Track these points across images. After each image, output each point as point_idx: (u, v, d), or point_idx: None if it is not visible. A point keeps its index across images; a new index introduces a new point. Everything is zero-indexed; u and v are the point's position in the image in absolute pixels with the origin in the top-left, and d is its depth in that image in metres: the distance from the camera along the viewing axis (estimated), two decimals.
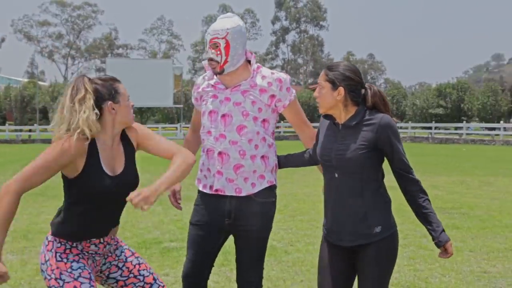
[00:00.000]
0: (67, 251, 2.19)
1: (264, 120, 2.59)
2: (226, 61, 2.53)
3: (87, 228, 2.22)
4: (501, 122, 29.54)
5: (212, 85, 2.64)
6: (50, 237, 2.23)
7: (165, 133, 37.69)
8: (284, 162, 2.76)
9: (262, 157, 2.57)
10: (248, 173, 2.53)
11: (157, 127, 38.55)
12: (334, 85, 2.27)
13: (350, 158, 2.27)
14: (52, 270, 2.14)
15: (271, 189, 2.62)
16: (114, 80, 2.31)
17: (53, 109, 32.06)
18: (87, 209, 2.21)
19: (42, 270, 2.19)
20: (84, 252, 2.25)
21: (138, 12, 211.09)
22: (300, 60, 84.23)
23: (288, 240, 5.73)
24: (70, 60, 75.01)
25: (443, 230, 2.33)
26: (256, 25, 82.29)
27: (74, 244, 2.21)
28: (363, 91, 2.33)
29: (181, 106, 42.30)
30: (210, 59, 2.55)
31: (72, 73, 76.80)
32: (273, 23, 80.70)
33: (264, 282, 2.77)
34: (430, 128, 32.98)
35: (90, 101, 2.13)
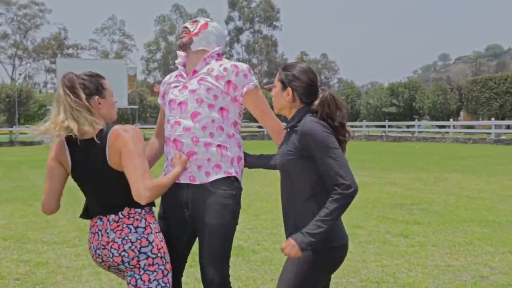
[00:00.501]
0: (158, 228, 2.36)
1: (222, 109, 2.56)
2: (196, 34, 2.62)
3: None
4: (451, 120, 30.62)
5: (176, 76, 2.70)
6: (142, 219, 2.29)
7: None
8: (253, 161, 2.66)
9: (219, 146, 2.52)
10: (202, 161, 2.50)
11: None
12: (284, 85, 2.24)
13: (280, 163, 2.24)
14: (159, 249, 2.27)
15: (231, 181, 2.52)
16: (99, 76, 2.40)
17: (0, 110, 30.61)
18: None
19: (142, 252, 2.23)
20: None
21: (88, 12, 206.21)
22: (254, 60, 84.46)
23: (255, 240, 5.70)
24: (18, 61, 72.45)
25: (313, 235, 2.05)
26: None
27: (156, 220, 2.39)
28: (319, 93, 2.23)
29: (136, 107, 41.56)
30: (185, 27, 2.65)
31: (20, 74, 74.15)
32: (226, 23, 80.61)
33: (234, 282, 2.69)
34: (384, 126, 33.79)
35: (83, 97, 2.24)
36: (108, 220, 2.29)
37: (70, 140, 2.30)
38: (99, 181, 2.31)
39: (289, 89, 2.21)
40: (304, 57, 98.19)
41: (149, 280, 2.24)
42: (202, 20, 2.68)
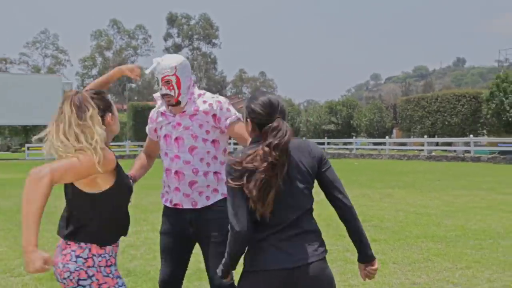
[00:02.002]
0: (108, 262, 2.28)
1: (214, 141, 2.94)
2: (179, 94, 2.90)
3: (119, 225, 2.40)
4: (386, 137, 31.72)
5: (162, 113, 3.01)
6: (86, 248, 2.23)
7: None
8: None
9: (215, 173, 2.93)
10: (202, 188, 2.88)
11: (42, 146, 35.99)
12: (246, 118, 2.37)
13: None
14: (99, 285, 2.22)
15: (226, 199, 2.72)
16: (104, 92, 2.45)
17: None
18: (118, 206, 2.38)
19: (80, 285, 2.19)
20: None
21: (18, 25, 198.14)
22: (193, 77, 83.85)
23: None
24: None
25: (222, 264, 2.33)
26: (148, 41, 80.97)
27: (111, 253, 2.30)
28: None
29: None
30: (165, 95, 2.90)
31: None
32: (165, 39, 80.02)
33: None
34: (323, 143, 34.45)
35: (98, 117, 2.23)
36: (63, 240, 2.29)
37: None
38: (67, 199, 2.36)
39: (249, 120, 2.31)
40: (242, 74, 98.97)
41: None
42: (172, 78, 2.87)
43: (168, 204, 3.00)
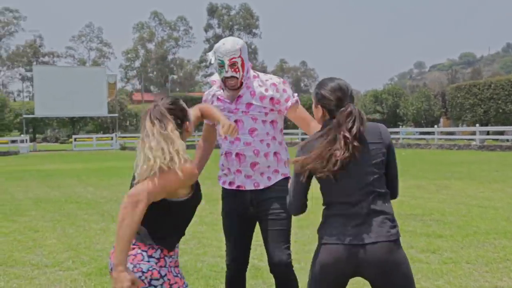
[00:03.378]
0: (177, 263, 2.36)
1: (272, 122, 3.01)
2: (243, 76, 2.93)
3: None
4: (435, 126, 30.58)
5: (218, 98, 3.04)
6: (158, 249, 2.24)
7: (100, 143, 35.95)
8: None
9: (275, 153, 3.00)
10: (264, 169, 2.96)
11: (91, 137, 36.68)
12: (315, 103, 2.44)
13: None
14: (171, 285, 2.24)
15: (286, 179, 2.98)
16: (179, 99, 2.40)
17: None
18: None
19: (152, 285, 2.19)
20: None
21: (64, 19, 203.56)
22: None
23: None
24: None
25: None
26: (189, 33, 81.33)
27: (177, 255, 2.38)
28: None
29: (116, 115, 40.60)
30: (231, 77, 2.89)
31: None
32: (206, 30, 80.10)
33: None
34: None
35: (176, 131, 2.24)
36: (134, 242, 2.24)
37: None
38: None
39: (319, 106, 2.39)
40: (283, 64, 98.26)
41: None
42: (238, 60, 2.89)
43: (227, 186, 3.07)
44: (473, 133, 27.68)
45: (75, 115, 40.60)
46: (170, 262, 2.28)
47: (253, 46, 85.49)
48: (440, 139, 30.02)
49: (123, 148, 33.58)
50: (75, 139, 36.24)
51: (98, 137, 37.09)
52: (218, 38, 79.80)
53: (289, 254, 2.93)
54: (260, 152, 2.94)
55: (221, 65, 2.89)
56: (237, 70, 2.88)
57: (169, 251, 2.27)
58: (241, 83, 2.93)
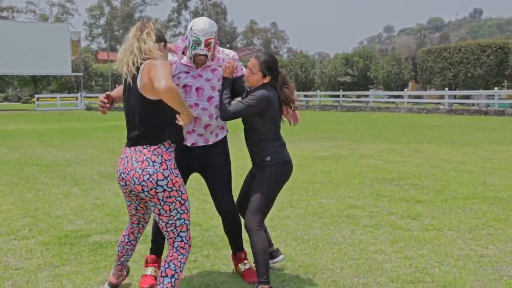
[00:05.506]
0: (175, 165, 2.82)
1: None
2: (212, 55, 3.36)
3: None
4: (405, 90, 30.62)
5: (183, 64, 3.37)
6: (159, 155, 2.73)
7: (64, 103, 34.75)
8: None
9: None
10: (214, 128, 3.43)
11: (55, 97, 35.37)
12: (264, 74, 3.28)
13: None
14: (173, 183, 2.72)
15: (226, 136, 3.57)
16: (160, 30, 3.00)
17: None
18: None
19: (159, 185, 2.67)
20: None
21: None
22: None
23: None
24: None
25: None
26: None
27: (174, 158, 2.82)
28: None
29: (81, 74, 39.19)
30: (202, 55, 3.27)
31: None
32: None
33: None
34: (338, 96, 33.45)
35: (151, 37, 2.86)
36: (135, 149, 2.74)
37: None
38: (130, 110, 2.82)
39: (268, 76, 3.29)
40: (253, 25, 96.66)
41: (169, 209, 2.73)
42: (212, 41, 3.26)
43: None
44: (441, 97, 27.82)
45: (36, 73, 38.97)
46: (170, 164, 2.75)
47: (222, 6, 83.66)
48: (409, 102, 30.12)
49: (88, 108, 32.54)
50: (37, 99, 34.93)
51: (62, 97, 35.84)
52: None
53: (233, 201, 3.49)
54: (213, 116, 3.36)
55: (197, 43, 3.21)
56: (209, 49, 3.26)
57: (170, 146, 2.78)
58: (207, 59, 3.32)
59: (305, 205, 5.73)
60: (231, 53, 3.53)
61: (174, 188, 2.70)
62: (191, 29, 3.24)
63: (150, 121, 2.73)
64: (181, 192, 2.75)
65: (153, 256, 3.52)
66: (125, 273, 3.33)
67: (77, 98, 34.81)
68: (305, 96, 35.39)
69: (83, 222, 5.02)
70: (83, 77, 40.62)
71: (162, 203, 2.69)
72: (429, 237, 4.47)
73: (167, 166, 2.70)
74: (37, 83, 44.45)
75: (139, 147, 2.71)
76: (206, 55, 3.27)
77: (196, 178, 3.75)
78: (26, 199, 6.08)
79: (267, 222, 5.06)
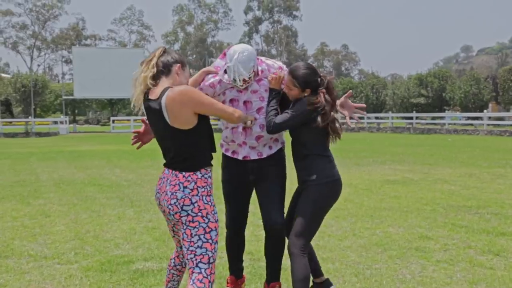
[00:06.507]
0: (209, 192, 2.69)
1: None
2: (253, 79, 3.16)
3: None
4: (485, 111, 28.82)
5: (226, 82, 3.16)
6: (192, 182, 2.60)
7: (137, 125, 35.87)
8: None
9: None
10: (267, 140, 3.23)
11: (129, 119, 36.65)
12: (302, 89, 3.04)
13: None
14: (200, 210, 2.59)
15: (283, 147, 3.37)
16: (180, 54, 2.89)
17: (16, 100, 30.42)
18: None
19: (183, 210, 2.57)
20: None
21: (106, 2, 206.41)
22: (273, 51, 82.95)
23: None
24: (36, 52, 71.94)
25: None
26: (228, 15, 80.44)
27: (211, 185, 2.71)
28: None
29: None
30: (245, 81, 3.08)
31: (38, 65, 73.78)
32: (245, 13, 79.07)
33: None
34: (411, 118, 32.09)
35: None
36: (172, 173, 2.63)
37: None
38: (167, 137, 2.66)
39: (307, 90, 3.03)
40: (324, 48, 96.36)
41: (191, 234, 2.57)
42: (252, 75, 3.07)
43: (230, 155, 3.30)
44: None
45: (113, 96, 40.67)
46: (203, 191, 2.61)
47: (293, 29, 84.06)
48: (489, 124, 28.32)
49: None
50: (113, 121, 36.32)
51: (136, 119, 37.02)
52: (257, 20, 78.82)
53: (283, 216, 3.23)
54: (265, 127, 3.13)
55: (233, 78, 3.05)
56: (249, 82, 3.10)
57: (206, 171, 2.64)
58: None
59: (369, 235, 5.18)
60: (276, 63, 3.31)
61: (199, 214, 2.57)
62: (228, 66, 3.05)
63: (183, 148, 2.61)
64: (208, 219, 2.59)
65: (231, 276, 3.51)
66: None
67: None
68: (376, 118, 34.31)
69: (130, 247, 4.78)
70: None
71: (185, 227, 2.57)
72: None
73: (198, 192, 2.59)
74: (113, 106, 46.41)
75: (175, 172, 2.62)
76: (248, 81, 3.10)
77: (253, 201, 3.39)
78: (80, 220, 5.97)
79: (325, 252, 4.61)
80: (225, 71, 3.15)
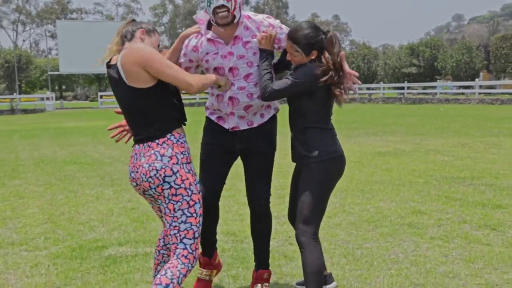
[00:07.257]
0: (188, 159, 2.48)
1: None
2: (235, 8, 2.65)
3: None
4: (476, 80, 28.55)
5: (210, 39, 2.80)
6: (169, 148, 2.40)
7: None
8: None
9: None
10: (257, 109, 2.91)
11: None
12: (307, 53, 2.62)
13: None
14: (182, 180, 2.39)
15: (275, 116, 3.05)
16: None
17: (0, 76, 29.88)
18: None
19: (165, 182, 2.36)
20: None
21: None
22: None
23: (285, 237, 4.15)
24: (21, 26, 70.45)
25: None
26: None
27: (188, 150, 2.51)
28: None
29: None
30: (222, 6, 2.61)
31: (24, 40, 72.32)
32: None
33: None
34: (402, 88, 31.76)
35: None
36: (143, 145, 2.44)
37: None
38: (127, 108, 2.49)
39: (314, 51, 2.60)
40: (315, 19, 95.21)
41: (174, 209, 2.40)
42: None
43: (215, 120, 2.96)
44: None
45: (100, 71, 39.93)
46: (182, 158, 2.42)
47: (283, 0, 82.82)
48: (481, 93, 28.08)
49: None
50: (101, 96, 35.73)
51: None
52: None
53: (269, 191, 3.01)
54: (253, 95, 2.83)
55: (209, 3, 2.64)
56: (229, 18, 2.64)
57: (180, 141, 2.44)
58: (233, 17, 2.65)
59: (359, 210, 4.92)
60: (267, 20, 2.86)
61: (182, 186, 2.38)
62: None
63: (148, 110, 2.43)
64: (191, 191, 2.41)
65: (205, 258, 3.08)
66: None
67: None
68: (368, 88, 33.95)
69: (105, 230, 4.48)
70: None
71: (167, 201, 2.39)
72: None
73: (178, 160, 2.40)
74: (101, 81, 45.66)
75: (147, 143, 2.42)
76: (226, 7, 2.61)
77: (241, 178, 3.10)
78: (55, 201, 5.65)
79: None
80: (208, 28, 2.82)
